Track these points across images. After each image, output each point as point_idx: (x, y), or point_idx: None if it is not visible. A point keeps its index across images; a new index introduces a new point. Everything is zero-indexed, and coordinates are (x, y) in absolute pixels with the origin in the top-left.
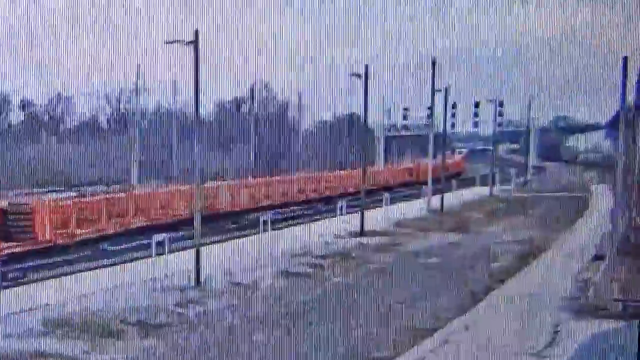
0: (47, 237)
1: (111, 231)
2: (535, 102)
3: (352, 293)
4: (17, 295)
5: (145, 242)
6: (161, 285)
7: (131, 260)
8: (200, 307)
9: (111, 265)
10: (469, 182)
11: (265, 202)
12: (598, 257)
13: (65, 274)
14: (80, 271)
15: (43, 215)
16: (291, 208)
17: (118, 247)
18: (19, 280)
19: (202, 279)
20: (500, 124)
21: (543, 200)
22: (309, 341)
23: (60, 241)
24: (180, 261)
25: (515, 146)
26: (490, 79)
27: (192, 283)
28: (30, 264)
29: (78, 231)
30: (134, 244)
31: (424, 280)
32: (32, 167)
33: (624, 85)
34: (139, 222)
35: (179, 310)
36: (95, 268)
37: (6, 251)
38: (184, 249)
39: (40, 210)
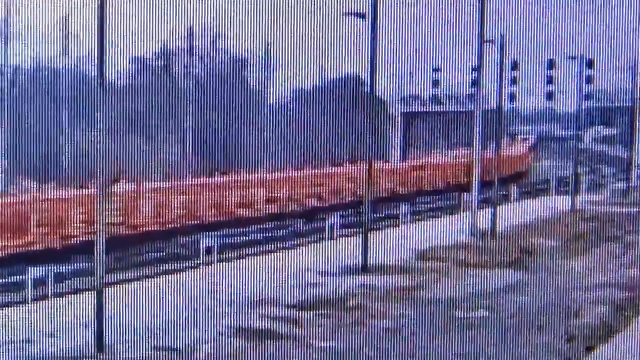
0: None
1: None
2: None
3: None
4: None
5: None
6: (37, 352)
7: None
8: None
9: None
10: (538, 189)
11: (209, 218)
12: None
13: None
14: None
15: None
16: (252, 227)
17: None
18: None
19: (106, 341)
20: (588, 97)
21: None
22: None
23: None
24: (71, 311)
25: (611, 132)
26: (571, 22)
27: (91, 349)
28: None
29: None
30: None
31: (464, 348)
32: None
33: None
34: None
35: None
36: None
37: None
38: (77, 291)
39: None
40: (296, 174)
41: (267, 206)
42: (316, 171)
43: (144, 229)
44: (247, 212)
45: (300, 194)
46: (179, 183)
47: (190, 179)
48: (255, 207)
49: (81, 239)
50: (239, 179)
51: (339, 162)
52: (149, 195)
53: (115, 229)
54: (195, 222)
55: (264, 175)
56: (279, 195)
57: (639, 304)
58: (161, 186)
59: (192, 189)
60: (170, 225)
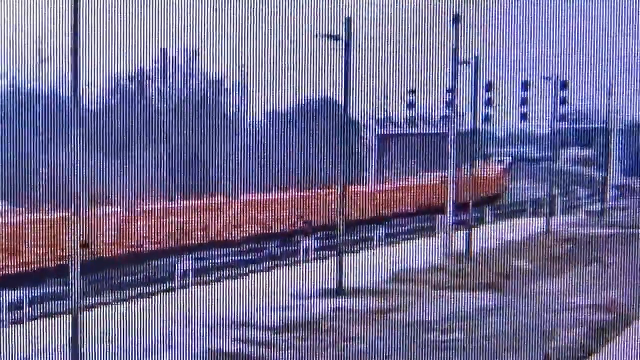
0: None
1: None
2: (619, 84)
3: None
4: None
5: None
6: None
7: None
8: None
9: None
10: (513, 210)
11: (183, 241)
12: None
13: None
14: None
15: None
16: (225, 250)
17: None
18: None
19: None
20: (563, 118)
21: (631, 240)
22: None
23: None
24: (47, 335)
25: (587, 153)
26: (546, 43)
27: None
28: None
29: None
30: None
31: None
32: None
33: None
34: None
35: None
36: None
37: None
38: (45, 315)
39: None
40: (268, 197)
41: (238, 230)
42: (289, 194)
43: (118, 252)
44: (218, 236)
45: (272, 217)
46: (155, 206)
47: (166, 202)
48: (227, 231)
49: (45, 264)
50: (211, 202)
51: (312, 185)
52: (123, 217)
53: (88, 252)
54: (167, 246)
55: (236, 199)
56: (249, 218)
57: (614, 325)
58: (136, 209)
59: (164, 213)
60: (144, 248)
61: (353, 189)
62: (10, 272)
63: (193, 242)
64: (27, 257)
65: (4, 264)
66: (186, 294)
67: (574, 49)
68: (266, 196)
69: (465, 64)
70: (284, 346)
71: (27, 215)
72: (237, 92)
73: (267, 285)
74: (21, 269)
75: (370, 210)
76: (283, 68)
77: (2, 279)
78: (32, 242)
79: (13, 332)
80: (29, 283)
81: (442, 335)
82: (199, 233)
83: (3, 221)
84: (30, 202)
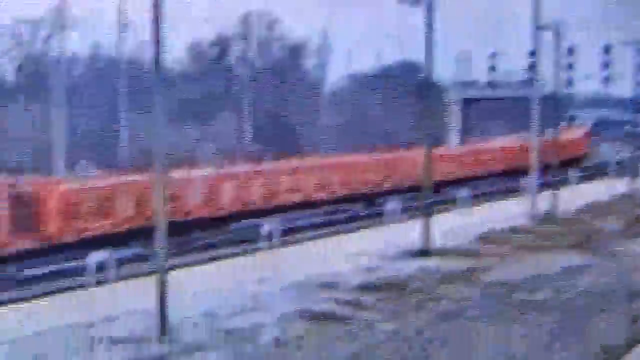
0: (53, 232)
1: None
2: None
3: (410, 350)
4: None
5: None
6: (95, 335)
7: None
8: None
9: None
10: (597, 172)
11: (265, 204)
12: None
13: None
14: None
15: (51, 203)
16: (308, 212)
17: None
18: None
19: (168, 325)
20: None
21: None
22: None
23: (67, 238)
24: (134, 295)
25: None
26: (626, 8)
27: (155, 332)
28: None
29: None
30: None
31: (525, 329)
32: None
33: None
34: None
35: None
36: None
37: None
38: (139, 275)
39: (47, 197)
40: (350, 160)
41: (320, 192)
42: (372, 157)
43: (205, 214)
44: (301, 197)
45: (355, 179)
46: (238, 169)
47: (248, 165)
48: (309, 193)
49: (138, 225)
50: (291, 166)
51: (395, 147)
52: (208, 181)
53: (176, 214)
54: (250, 208)
55: (317, 161)
56: (331, 181)
57: None
58: (215, 174)
59: (246, 177)
60: (224, 211)
61: (438, 152)
62: (99, 234)
63: (279, 204)
64: (115, 219)
65: (93, 225)
66: (273, 255)
67: None
68: (351, 158)
69: (547, 28)
70: (371, 306)
71: (115, 178)
72: (319, 56)
73: (353, 246)
74: (110, 230)
75: (454, 172)
76: (367, 32)
77: (92, 240)
78: (121, 204)
79: (100, 292)
80: (118, 244)
81: (528, 295)
82: (284, 195)
83: (92, 184)
84: (117, 165)
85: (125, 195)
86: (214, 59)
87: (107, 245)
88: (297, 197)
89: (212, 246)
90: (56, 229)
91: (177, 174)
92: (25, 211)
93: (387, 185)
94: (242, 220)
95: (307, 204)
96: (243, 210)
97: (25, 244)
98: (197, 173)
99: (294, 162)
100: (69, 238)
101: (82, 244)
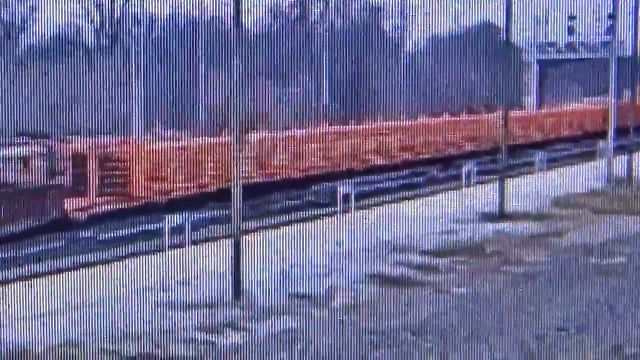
0: (141, 193)
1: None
2: None
3: (486, 315)
4: None
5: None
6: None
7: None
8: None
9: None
10: None
11: (345, 165)
12: None
13: None
14: None
15: (137, 165)
16: (388, 175)
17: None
18: None
19: (243, 288)
20: None
21: None
22: None
23: (155, 198)
24: (209, 258)
25: None
26: None
27: (229, 296)
28: None
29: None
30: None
31: (601, 294)
32: None
33: None
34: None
35: (212, 339)
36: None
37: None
38: (214, 239)
39: (134, 158)
40: (432, 122)
41: (403, 153)
42: (452, 118)
43: (281, 176)
44: (383, 160)
45: (437, 141)
46: (316, 130)
47: (327, 127)
48: (392, 154)
49: (211, 189)
50: (375, 126)
51: (474, 109)
52: (285, 142)
53: (252, 177)
54: (333, 169)
55: (401, 122)
56: (415, 142)
57: None
58: (298, 134)
59: (330, 137)
60: (307, 173)
61: (515, 114)
62: (174, 196)
63: (356, 166)
64: (190, 182)
65: (168, 188)
66: (348, 218)
67: None
68: (428, 121)
69: None
70: (446, 269)
71: (192, 139)
72: (398, 17)
73: (428, 210)
74: (184, 192)
75: (531, 135)
76: None
77: (168, 203)
78: (197, 167)
79: (177, 254)
80: (193, 206)
81: (603, 259)
82: (362, 157)
83: (167, 146)
84: (195, 127)
85: (209, 157)
86: (294, 19)
87: (192, 206)
88: (379, 159)
89: (292, 209)
90: (143, 189)
91: (259, 134)
92: (114, 171)
93: (467, 148)
94: (324, 182)
95: (388, 167)
96: (327, 172)
97: (113, 204)
98: (278, 134)
99: (375, 124)
100: (155, 199)
101: (168, 204)
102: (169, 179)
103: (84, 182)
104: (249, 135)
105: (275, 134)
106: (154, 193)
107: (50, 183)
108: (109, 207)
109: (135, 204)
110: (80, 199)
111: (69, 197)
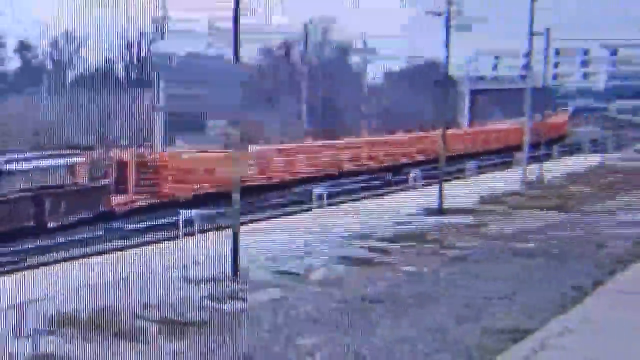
0: (169, 191)
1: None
2: None
3: (427, 288)
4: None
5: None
6: (190, 276)
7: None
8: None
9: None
10: (574, 148)
11: (319, 172)
12: None
13: None
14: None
15: (166, 169)
16: (350, 179)
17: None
18: None
19: (240, 268)
20: (616, 76)
21: None
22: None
23: (179, 195)
24: (214, 245)
25: (634, 103)
26: (603, 17)
27: (229, 274)
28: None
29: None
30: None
31: (516, 270)
32: (22, 125)
33: None
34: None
35: (218, 306)
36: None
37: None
38: (218, 229)
39: (164, 164)
40: (385, 139)
41: (369, 162)
42: (402, 136)
43: (271, 180)
44: (354, 167)
45: (388, 153)
46: (296, 145)
47: (305, 142)
48: (360, 162)
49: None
50: (337, 143)
51: (418, 128)
52: (278, 153)
53: (252, 180)
54: (309, 175)
55: (358, 140)
56: (377, 153)
57: None
58: (288, 146)
59: (313, 149)
60: (296, 177)
61: (452, 132)
62: (202, 193)
63: (325, 173)
64: (205, 183)
65: (188, 187)
66: (321, 213)
67: (627, 18)
68: (384, 137)
69: (539, 34)
70: (397, 252)
71: (201, 153)
72: (361, 56)
73: (383, 206)
74: (210, 190)
75: (464, 148)
76: (400, 37)
77: (183, 201)
78: (204, 174)
79: (189, 242)
80: (201, 205)
81: (520, 244)
82: (330, 166)
83: (195, 156)
84: (202, 142)
85: (221, 165)
86: (280, 57)
87: (207, 203)
88: (351, 167)
89: (279, 206)
90: (170, 189)
91: (257, 147)
92: (148, 175)
93: (415, 159)
94: (305, 185)
95: (358, 173)
96: (311, 176)
97: (146, 200)
98: (269, 147)
99: (348, 139)
100: (180, 196)
101: (190, 201)
102: (188, 181)
103: (124, 182)
104: (251, 147)
105: (270, 147)
106: (178, 191)
107: (100, 184)
108: (143, 202)
109: (167, 199)
110: (121, 196)
111: (114, 194)
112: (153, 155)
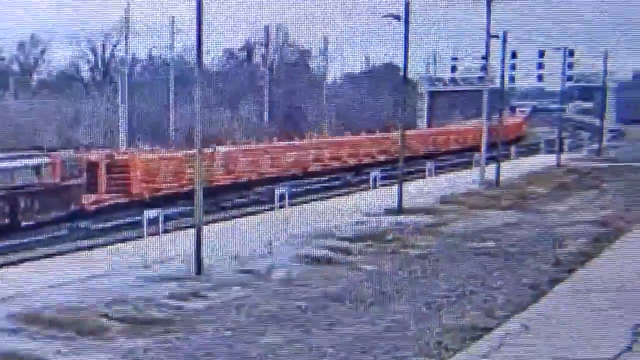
0: (138, 191)
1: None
2: (614, 51)
3: (388, 286)
4: None
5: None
6: (152, 275)
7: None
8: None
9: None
10: (531, 149)
11: (272, 173)
12: None
13: None
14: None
15: (135, 170)
16: (314, 180)
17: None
18: None
19: (203, 266)
20: (570, 78)
21: (622, 171)
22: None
23: (147, 195)
24: (177, 244)
25: (588, 105)
26: (558, 22)
27: (192, 272)
28: None
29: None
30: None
31: (475, 269)
32: None
33: None
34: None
35: (180, 304)
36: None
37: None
38: (181, 229)
39: (134, 165)
40: (345, 140)
41: (333, 162)
42: (362, 137)
43: (230, 180)
44: (305, 169)
45: (349, 154)
46: (257, 145)
47: (266, 142)
48: (324, 163)
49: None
50: (299, 144)
51: (378, 129)
52: (243, 154)
53: (212, 180)
54: (261, 177)
55: (319, 141)
56: (332, 155)
57: (608, 237)
58: (243, 148)
59: (269, 150)
60: (251, 178)
61: (411, 133)
62: (150, 195)
63: (288, 173)
64: (162, 185)
65: (147, 188)
66: (283, 212)
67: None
68: (343, 138)
69: (496, 37)
70: (357, 252)
71: (165, 152)
72: (321, 59)
73: (344, 206)
74: (158, 193)
75: (422, 149)
76: (359, 40)
77: (148, 201)
78: (166, 173)
79: (152, 241)
80: (165, 204)
81: (477, 243)
82: (292, 166)
83: (149, 157)
84: (167, 143)
85: (185, 165)
86: (242, 60)
87: (173, 202)
88: (316, 167)
89: (242, 205)
90: (138, 188)
91: (216, 148)
92: (116, 175)
93: (377, 159)
94: (270, 185)
95: (321, 173)
96: (276, 176)
97: (115, 199)
98: (231, 147)
99: (310, 140)
100: (146, 196)
101: (156, 200)
102: (156, 181)
103: (95, 182)
104: (216, 148)
105: (235, 147)
106: (146, 191)
107: (72, 183)
108: (113, 201)
109: (132, 199)
110: (92, 195)
111: (85, 193)
112: (120, 156)
